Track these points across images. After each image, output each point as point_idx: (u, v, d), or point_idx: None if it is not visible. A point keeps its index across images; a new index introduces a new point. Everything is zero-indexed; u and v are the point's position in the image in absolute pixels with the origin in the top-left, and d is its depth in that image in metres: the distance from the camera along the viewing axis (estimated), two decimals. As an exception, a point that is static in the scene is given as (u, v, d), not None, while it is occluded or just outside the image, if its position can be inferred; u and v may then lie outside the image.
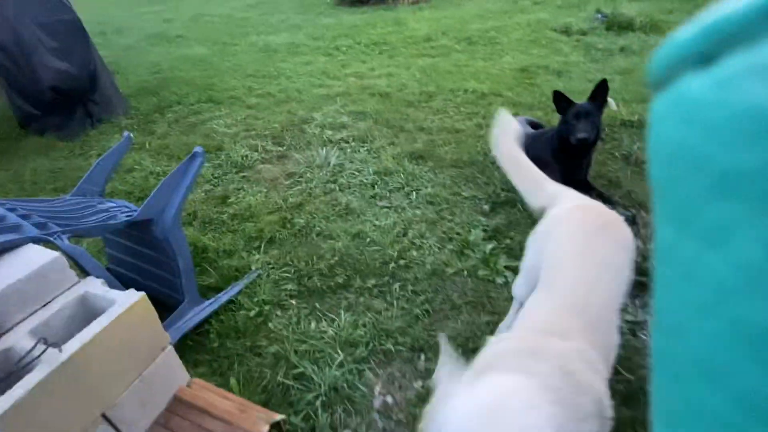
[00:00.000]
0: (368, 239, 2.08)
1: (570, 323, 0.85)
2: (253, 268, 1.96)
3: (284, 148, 3.11)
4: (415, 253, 1.96)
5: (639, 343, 1.53)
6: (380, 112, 3.48)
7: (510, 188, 2.38)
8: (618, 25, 5.22)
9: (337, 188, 2.54)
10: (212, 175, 2.80)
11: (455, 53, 4.96)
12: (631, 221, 2.07)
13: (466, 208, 2.27)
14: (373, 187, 2.51)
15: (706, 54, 0.14)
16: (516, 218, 2.16)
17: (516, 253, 1.93)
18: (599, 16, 5.61)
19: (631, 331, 1.58)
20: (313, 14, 8.38)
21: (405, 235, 2.08)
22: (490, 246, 1.95)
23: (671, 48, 0.16)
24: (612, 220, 1.10)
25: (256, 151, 3.06)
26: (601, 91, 2.01)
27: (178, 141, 3.34)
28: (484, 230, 2.07)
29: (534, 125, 2.64)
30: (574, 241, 1.04)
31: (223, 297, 1.76)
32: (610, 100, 3.34)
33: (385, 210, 2.30)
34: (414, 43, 5.57)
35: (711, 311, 0.14)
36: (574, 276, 0.96)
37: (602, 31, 5.24)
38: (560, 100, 2.11)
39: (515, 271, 1.82)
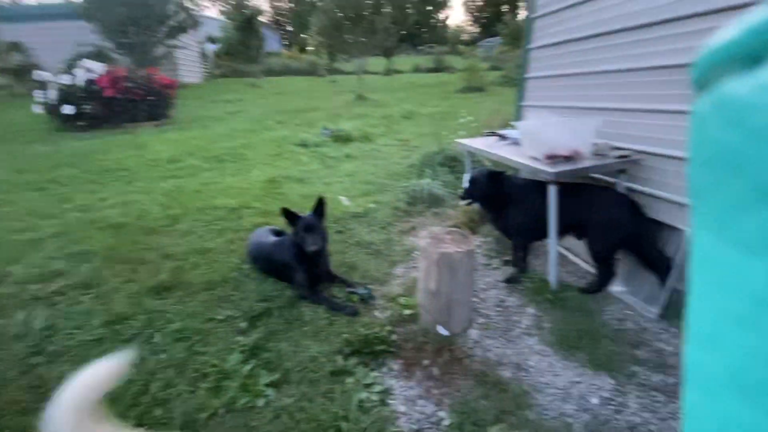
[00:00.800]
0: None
1: None
2: None
3: (-49, 326, 2.22)
4: (159, 411, 1.66)
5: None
6: (112, 247, 3.03)
7: (266, 297, 2.42)
8: (341, 138, 6.57)
9: (45, 361, 1.96)
10: None
11: (204, 172, 5.01)
12: (369, 297, 2.44)
13: (221, 332, 2.14)
14: (101, 343, 2.06)
15: (752, 55, 0.14)
16: (274, 328, 2.18)
17: (276, 364, 1.91)
18: (326, 131, 6.93)
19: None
20: (20, 143, 6.93)
21: (146, 392, 1.75)
22: (248, 367, 1.87)
23: (716, 48, 0.15)
24: None
25: None
26: (320, 206, 2.47)
27: None
28: (242, 351, 1.98)
29: (277, 233, 2.85)
30: None
31: None
32: (342, 198, 4.04)
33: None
34: (157, 165, 5.33)
35: (749, 323, 0.13)
36: None
37: (331, 143, 6.46)
38: (289, 215, 2.39)
39: (277, 384, 1.79)
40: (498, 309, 2.39)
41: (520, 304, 2.43)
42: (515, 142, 3.15)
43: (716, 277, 0.15)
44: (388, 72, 21.49)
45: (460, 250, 2.00)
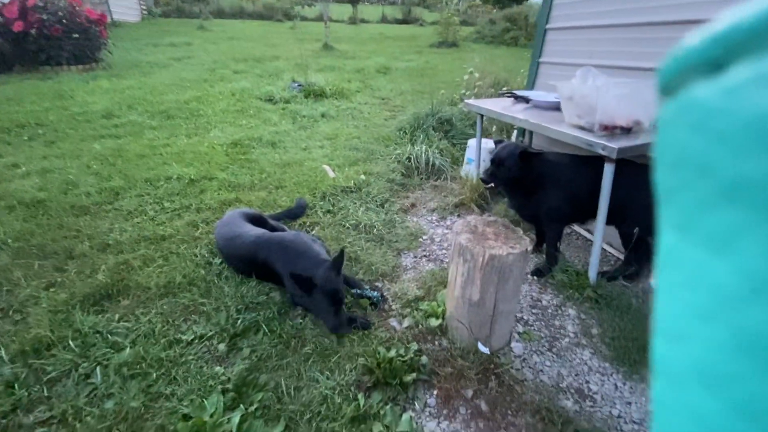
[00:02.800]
0: None
1: None
2: None
3: None
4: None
5: None
6: (24, 235, 2.27)
7: (249, 304, 1.86)
8: (313, 93, 5.74)
9: None
10: None
11: (149, 131, 4.10)
12: (380, 300, 1.96)
13: (191, 361, 1.58)
14: (7, 393, 1.43)
15: (715, 62, 0.14)
16: (265, 350, 1.65)
17: (275, 409, 1.41)
18: (295, 84, 6.05)
19: None
20: None
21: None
22: (236, 417, 1.35)
23: (680, 55, 0.16)
24: None
25: None
26: (340, 260, 1.77)
27: None
28: (224, 390, 1.45)
29: (253, 220, 2.22)
30: None
31: None
32: (326, 167, 3.41)
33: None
34: (88, 121, 4.31)
35: (713, 318, 0.14)
36: None
37: (302, 99, 5.63)
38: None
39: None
40: (535, 311, 2.00)
41: (558, 304, 2.06)
42: (539, 105, 2.67)
43: (681, 275, 0.16)
44: (354, 21, 19.81)
45: (513, 251, 1.54)
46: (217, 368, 1.56)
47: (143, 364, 1.54)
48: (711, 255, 0.14)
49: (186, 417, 1.36)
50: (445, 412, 1.47)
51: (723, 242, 0.14)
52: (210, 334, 1.71)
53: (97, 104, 4.86)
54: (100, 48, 7.33)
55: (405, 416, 1.43)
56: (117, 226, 2.43)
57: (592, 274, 2.13)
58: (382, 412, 1.42)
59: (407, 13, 22.49)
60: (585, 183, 2.09)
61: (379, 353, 1.61)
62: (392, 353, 1.60)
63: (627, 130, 1.95)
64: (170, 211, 2.61)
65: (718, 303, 0.14)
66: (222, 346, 1.66)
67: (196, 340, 1.68)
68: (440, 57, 10.54)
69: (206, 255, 2.19)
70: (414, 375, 1.55)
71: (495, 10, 21.76)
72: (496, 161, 2.15)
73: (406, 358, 1.59)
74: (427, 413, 1.47)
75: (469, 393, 1.53)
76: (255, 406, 1.41)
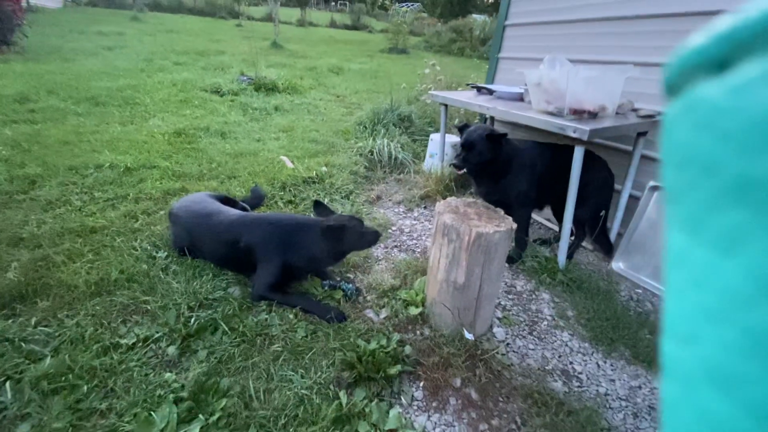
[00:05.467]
0: None
1: None
2: None
3: None
4: None
5: None
6: None
7: (203, 301, 1.62)
8: (264, 87, 5.44)
9: None
10: None
11: (74, 117, 3.59)
12: (355, 292, 1.81)
13: (134, 368, 1.31)
14: None
15: (721, 60, 0.14)
16: (225, 350, 1.42)
17: (243, 417, 1.20)
18: (244, 78, 5.71)
19: None
20: None
21: None
22: (195, 431, 1.13)
23: (685, 54, 0.15)
24: None
25: None
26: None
27: None
28: (178, 400, 1.21)
29: (225, 201, 1.98)
30: None
31: None
32: (284, 159, 3.19)
33: None
34: (-6, 105, 3.68)
35: (722, 319, 0.14)
36: None
37: (252, 92, 5.31)
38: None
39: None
40: (511, 297, 1.97)
41: (531, 289, 2.04)
42: (502, 96, 2.69)
43: (690, 276, 0.16)
44: (303, 23, 19.49)
45: (499, 229, 1.47)
46: (167, 374, 1.30)
47: (70, 376, 1.25)
48: (719, 256, 0.14)
49: (129, 434, 1.11)
50: (434, 404, 1.35)
51: (731, 243, 0.14)
52: (157, 335, 1.44)
53: (8, 88, 4.19)
54: (13, 30, 6.41)
55: (393, 412, 1.28)
56: (33, 217, 2.03)
57: (561, 259, 2.15)
58: (367, 410, 1.27)
59: (356, 20, 22.60)
60: (550, 168, 2.12)
61: (359, 346, 1.45)
62: (373, 345, 1.45)
63: (593, 115, 2.00)
64: (102, 201, 2.25)
65: (727, 304, 0.14)
66: (172, 349, 1.40)
67: (139, 344, 1.41)
68: (392, 62, 10.63)
69: (148, 248, 1.89)
70: (399, 367, 1.41)
71: (440, 23, 22.59)
72: (467, 145, 2.10)
73: (388, 349, 1.45)
74: (416, 407, 1.34)
75: (458, 382, 1.43)
76: (217, 415, 1.19)
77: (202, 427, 1.14)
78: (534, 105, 2.19)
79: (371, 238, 1.76)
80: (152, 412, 1.16)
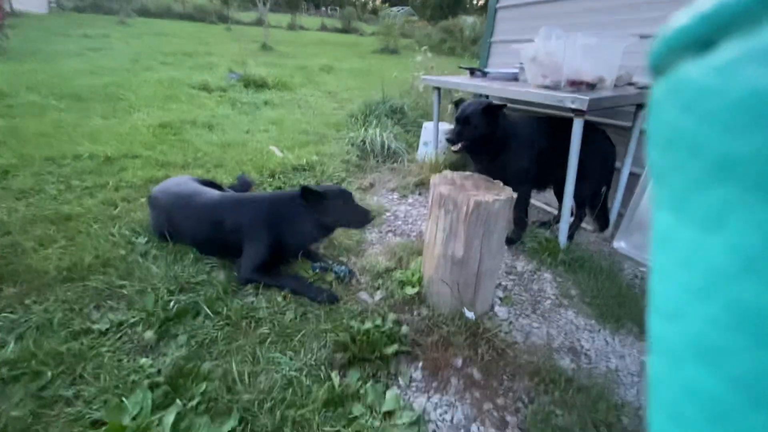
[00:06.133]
0: None
1: None
2: None
3: None
4: None
5: None
6: None
7: (184, 285, 1.51)
8: (254, 84, 5.35)
9: None
10: None
11: (54, 112, 3.46)
12: (348, 274, 1.71)
13: (106, 354, 1.20)
14: None
15: (704, 40, 0.14)
16: (207, 334, 1.31)
17: (226, 401, 1.09)
18: (233, 75, 5.61)
19: None
20: None
21: None
22: (171, 416, 1.02)
23: (670, 34, 0.15)
24: None
25: None
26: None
27: None
28: (153, 385, 1.10)
29: (210, 185, 1.88)
30: None
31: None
32: (273, 148, 3.09)
33: None
34: (-31, 100, 3.54)
35: (708, 295, 0.14)
36: None
37: (241, 88, 5.21)
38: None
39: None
40: (512, 277, 1.88)
41: (533, 269, 1.96)
42: (496, 77, 2.62)
43: (676, 254, 0.16)
44: (293, 27, 19.47)
45: (499, 197, 1.38)
46: (143, 360, 1.19)
47: (33, 362, 1.13)
48: (704, 233, 0.14)
49: (96, 424, 1.00)
50: (434, 384, 1.25)
51: (715, 220, 0.14)
52: (132, 320, 1.33)
53: (-15, 85, 4.05)
54: (-6, 31, 6.26)
55: (390, 393, 1.18)
56: (4, 206, 1.91)
57: (562, 239, 2.07)
58: (362, 391, 1.17)
59: (347, 24, 22.65)
60: (551, 143, 2.04)
61: (352, 327, 1.35)
62: (368, 325, 1.35)
63: (591, 86, 1.93)
64: (79, 190, 2.13)
65: (712, 280, 0.14)
66: (149, 334, 1.29)
67: (113, 329, 1.30)
68: (383, 61, 10.59)
69: (127, 234, 1.78)
70: (395, 347, 1.31)
71: (430, 26, 22.70)
72: (462, 119, 2.01)
73: (384, 328, 1.35)
74: (414, 388, 1.24)
75: (459, 362, 1.33)
76: (197, 399, 1.08)
77: (179, 413, 1.03)
78: (530, 81, 2.12)
79: (361, 214, 1.67)
80: (124, 398, 1.05)
